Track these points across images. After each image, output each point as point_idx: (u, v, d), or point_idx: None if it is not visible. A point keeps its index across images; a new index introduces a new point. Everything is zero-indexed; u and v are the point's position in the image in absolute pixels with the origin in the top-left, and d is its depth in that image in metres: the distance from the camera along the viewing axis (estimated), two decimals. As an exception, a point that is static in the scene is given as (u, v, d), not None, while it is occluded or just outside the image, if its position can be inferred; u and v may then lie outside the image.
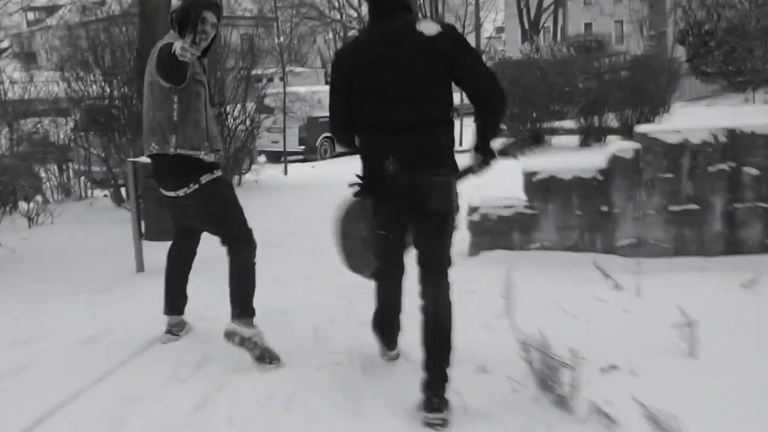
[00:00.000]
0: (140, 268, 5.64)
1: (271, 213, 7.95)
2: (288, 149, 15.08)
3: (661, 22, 67.02)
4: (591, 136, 14.61)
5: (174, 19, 3.68)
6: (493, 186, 7.62)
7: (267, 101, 14.10)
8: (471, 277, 4.89)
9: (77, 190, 10.46)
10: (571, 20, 52.30)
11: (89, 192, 10.47)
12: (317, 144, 18.38)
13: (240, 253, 3.74)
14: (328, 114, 3.29)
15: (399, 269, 3.35)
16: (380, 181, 3.03)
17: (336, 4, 48.74)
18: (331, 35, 56.16)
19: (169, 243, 4.24)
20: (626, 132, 14.79)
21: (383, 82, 3.00)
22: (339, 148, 19.62)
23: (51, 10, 39.75)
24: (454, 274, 3.13)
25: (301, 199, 9.27)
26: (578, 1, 54.78)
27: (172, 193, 3.77)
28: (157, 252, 5.75)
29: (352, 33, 54.61)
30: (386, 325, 3.49)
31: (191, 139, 3.65)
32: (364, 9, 52.23)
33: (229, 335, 3.58)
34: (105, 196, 10.01)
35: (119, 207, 8.85)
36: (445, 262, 3.11)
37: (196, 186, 3.66)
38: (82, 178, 10.58)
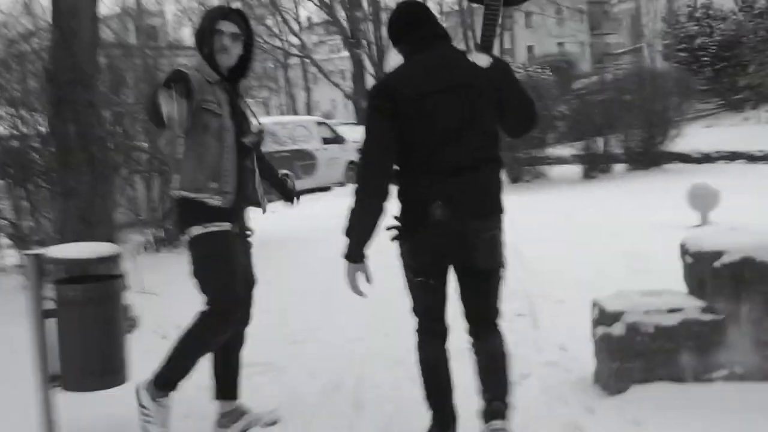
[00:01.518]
0: (51, 436, 3.30)
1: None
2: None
3: (602, 43, 67.39)
4: (596, 166, 12.75)
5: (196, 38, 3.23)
6: (608, 273, 5.56)
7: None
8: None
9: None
10: (509, 43, 51.71)
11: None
12: (272, 182, 16.12)
13: (201, 320, 3.16)
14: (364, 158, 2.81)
15: (442, 328, 2.98)
16: (423, 226, 2.76)
17: (276, 31, 46.81)
18: (271, 64, 54.24)
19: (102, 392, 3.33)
20: (633, 160, 13.04)
21: (436, 118, 2.74)
22: (297, 188, 17.66)
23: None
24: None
25: (280, 266, 7.02)
26: (521, 24, 54.41)
27: None
28: (81, 407, 3.49)
29: (293, 60, 52.76)
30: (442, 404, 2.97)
31: (194, 179, 3.09)
32: (305, 36, 50.62)
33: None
34: (19, 266, 7.59)
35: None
36: (493, 315, 2.95)
37: (188, 238, 3.15)
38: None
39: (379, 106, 2.78)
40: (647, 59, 14.96)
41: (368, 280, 2.81)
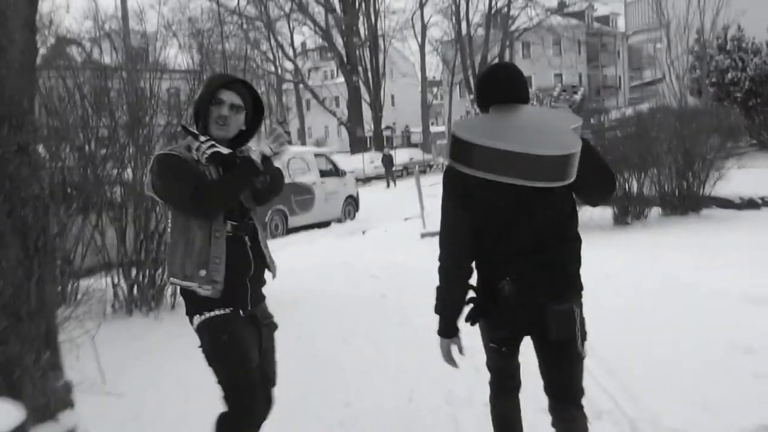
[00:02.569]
0: None
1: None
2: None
3: (599, 75, 66.96)
4: (629, 211, 11.41)
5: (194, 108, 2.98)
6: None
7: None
8: None
9: None
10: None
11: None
12: (266, 219, 14.71)
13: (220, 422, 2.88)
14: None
15: (514, 383, 3.03)
16: (494, 303, 2.78)
17: (271, 56, 45.82)
18: (263, 88, 53.30)
19: None
20: (668, 204, 11.74)
21: (505, 199, 2.70)
22: (292, 225, 16.40)
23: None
24: None
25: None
26: (519, 55, 53.95)
27: None
28: None
29: (287, 86, 51.64)
30: None
31: (183, 266, 2.83)
32: (299, 61, 49.62)
33: None
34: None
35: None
36: (573, 392, 2.87)
37: (193, 327, 2.90)
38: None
39: (450, 182, 2.79)
40: (677, 93, 13.74)
41: (461, 351, 2.89)
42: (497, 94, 2.76)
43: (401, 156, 38.19)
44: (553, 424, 2.89)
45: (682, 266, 7.64)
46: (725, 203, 12.15)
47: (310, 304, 6.93)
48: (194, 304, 2.87)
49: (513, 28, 45.52)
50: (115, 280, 6.85)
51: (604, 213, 11.61)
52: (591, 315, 2.85)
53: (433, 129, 54.46)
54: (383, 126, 46.01)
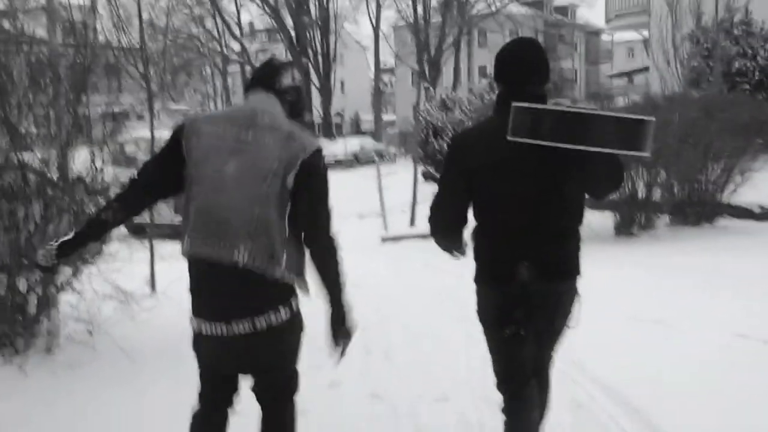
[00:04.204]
0: None
1: None
2: (157, 221, 8.57)
3: (555, 68, 65.88)
4: (635, 219, 9.49)
5: (291, 100, 2.69)
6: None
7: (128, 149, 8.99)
8: None
9: None
10: (464, 62, 49.31)
11: None
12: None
13: (287, 408, 2.77)
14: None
15: (531, 392, 2.85)
16: (510, 283, 2.71)
17: (216, 35, 43.18)
18: (209, 69, 50.68)
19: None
20: (678, 212, 9.89)
21: (520, 184, 2.67)
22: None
23: None
24: None
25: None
26: (475, 43, 52.39)
27: (241, 327, 2.49)
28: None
29: (233, 68, 48.96)
30: None
31: (299, 263, 2.59)
32: (246, 42, 46.91)
33: None
34: None
35: None
36: (550, 368, 2.99)
37: (289, 313, 2.58)
38: None
39: (453, 160, 2.76)
40: (680, 82, 11.93)
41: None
42: (514, 69, 2.68)
43: (352, 144, 36.04)
44: None
45: (726, 304, 5.75)
46: (742, 212, 10.37)
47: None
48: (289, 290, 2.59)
49: (472, 12, 43.79)
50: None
51: (605, 221, 9.64)
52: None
53: (385, 117, 52.42)
54: (333, 113, 43.81)
